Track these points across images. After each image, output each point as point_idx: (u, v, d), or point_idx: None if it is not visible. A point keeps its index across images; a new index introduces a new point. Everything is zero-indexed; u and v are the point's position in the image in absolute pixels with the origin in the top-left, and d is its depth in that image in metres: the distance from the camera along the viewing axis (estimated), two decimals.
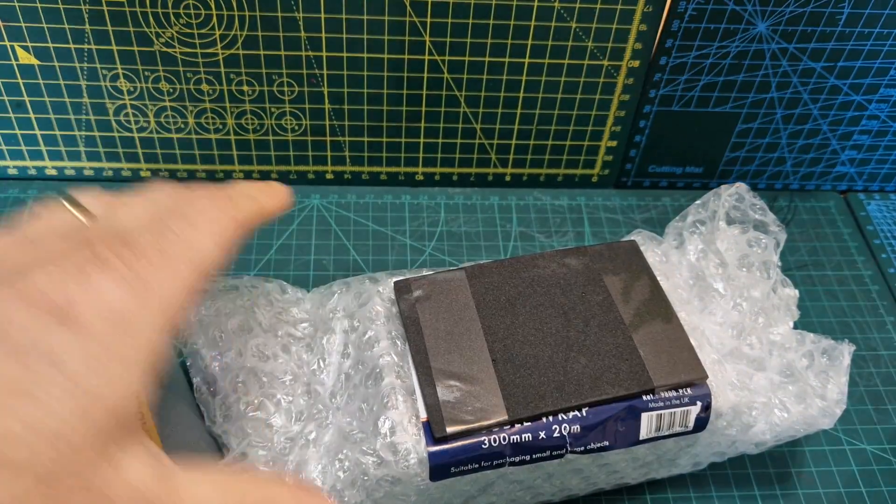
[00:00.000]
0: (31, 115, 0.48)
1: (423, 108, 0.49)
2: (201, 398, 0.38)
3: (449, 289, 0.37)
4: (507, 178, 0.53)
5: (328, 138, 0.50)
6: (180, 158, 0.50)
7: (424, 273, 0.38)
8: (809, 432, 0.37)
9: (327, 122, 0.49)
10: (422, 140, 0.51)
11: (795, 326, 0.41)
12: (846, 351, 0.38)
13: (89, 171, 0.51)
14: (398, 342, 0.36)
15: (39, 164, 0.50)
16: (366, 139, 0.50)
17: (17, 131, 0.48)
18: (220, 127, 0.49)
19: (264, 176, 0.52)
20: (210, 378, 0.37)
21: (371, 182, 0.53)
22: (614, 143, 0.51)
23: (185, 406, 0.39)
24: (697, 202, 0.43)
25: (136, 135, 0.49)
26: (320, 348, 0.37)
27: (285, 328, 0.39)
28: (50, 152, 0.49)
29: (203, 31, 0.44)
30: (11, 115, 0.47)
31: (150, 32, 0.44)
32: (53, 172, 0.51)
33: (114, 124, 0.48)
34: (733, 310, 0.40)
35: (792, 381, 0.38)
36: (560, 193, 0.53)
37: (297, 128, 0.49)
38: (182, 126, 0.49)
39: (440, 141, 0.51)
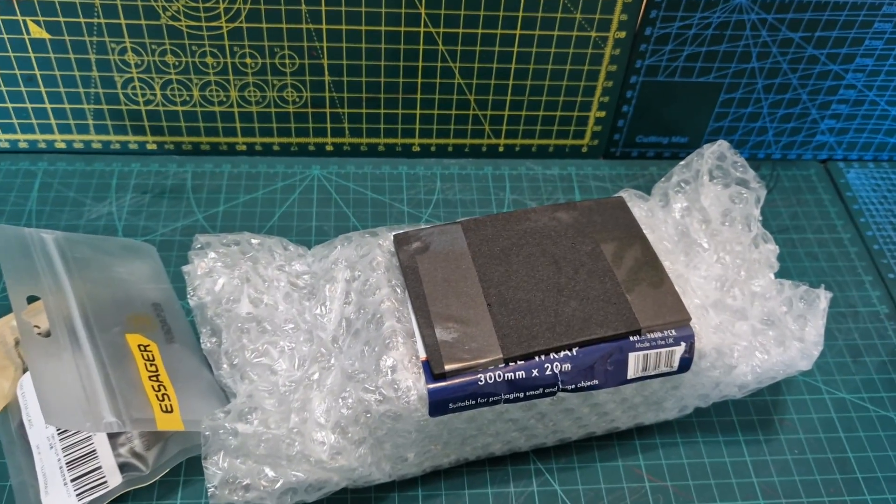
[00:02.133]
0: (42, 89, 0.49)
1: (419, 80, 0.51)
2: (208, 349, 0.39)
3: (446, 241, 0.39)
4: (501, 149, 0.55)
5: (328, 110, 0.52)
6: (185, 131, 0.52)
7: (422, 227, 0.40)
8: (789, 374, 0.39)
9: (327, 94, 0.51)
10: (418, 111, 0.53)
11: None
12: (822, 295, 0.40)
13: (97, 144, 0.53)
14: (398, 290, 0.38)
15: (49, 137, 0.52)
16: (364, 111, 0.52)
17: (28, 105, 0.50)
18: (224, 99, 0.51)
19: (266, 147, 0.54)
20: (216, 329, 0.39)
21: (369, 153, 0.55)
22: (603, 114, 0.53)
23: (195, 358, 0.41)
24: (682, 163, 0.45)
25: (142, 107, 0.51)
26: (322, 296, 0.39)
27: (287, 279, 0.40)
28: (59, 125, 0.51)
29: (208, 4, 0.46)
30: (23, 88, 0.49)
31: (157, 6, 0.46)
32: (63, 146, 0.52)
33: (122, 97, 0.50)
34: (717, 263, 0.42)
35: (772, 326, 0.40)
36: (551, 163, 0.55)
37: (297, 100, 0.51)
38: (187, 98, 0.51)
39: (436, 112, 0.53)
